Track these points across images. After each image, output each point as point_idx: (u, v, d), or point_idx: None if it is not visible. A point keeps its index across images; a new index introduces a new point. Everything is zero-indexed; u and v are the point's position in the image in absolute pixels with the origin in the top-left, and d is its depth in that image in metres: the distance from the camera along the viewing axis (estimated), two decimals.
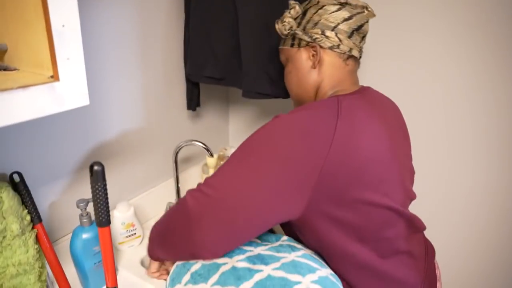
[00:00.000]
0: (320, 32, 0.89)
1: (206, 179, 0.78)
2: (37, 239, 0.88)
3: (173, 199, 1.40)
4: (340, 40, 0.88)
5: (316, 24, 0.90)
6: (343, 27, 0.88)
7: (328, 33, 0.88)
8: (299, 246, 0.85)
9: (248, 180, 0.72)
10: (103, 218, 0.72)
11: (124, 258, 1.13)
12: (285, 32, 0.95)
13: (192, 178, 1.53)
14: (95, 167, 0.68)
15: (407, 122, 1.03)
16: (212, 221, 0.73)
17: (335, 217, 0.76)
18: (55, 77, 0.62)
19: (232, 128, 1.76)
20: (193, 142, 1.25)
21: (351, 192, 0.74)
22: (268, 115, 1.62)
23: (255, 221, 0.74)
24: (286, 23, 0.93)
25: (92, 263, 0.96)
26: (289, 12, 0.94)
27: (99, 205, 0.70)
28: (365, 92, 0.88)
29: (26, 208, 0.85)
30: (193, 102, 1.37)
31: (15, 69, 0.71)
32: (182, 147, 1.27)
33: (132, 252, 1.16)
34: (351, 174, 0.73)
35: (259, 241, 0.88)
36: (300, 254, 0.81)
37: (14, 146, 0.89)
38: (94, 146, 1.08)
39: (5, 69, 0.69)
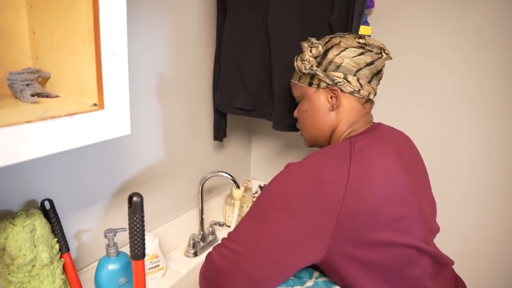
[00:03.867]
0: (342, 76, 0.86)
1: (229, 234, 0.81)
2: (64, 269, 0.86)
3: (196, 230, 1.37)
4: (361, 86, 0.87)
5: (338, 67, 0.86)
6: (365, 72, 0.86)
7: (350, 77, 0.86)
8: (333, 285, 0.83)
9: (267, 234, 0.74)
10: (138, 251, 0.70)
11: None
12: (305, 71, 0.90)
13: (214, 209, 1.51)
14: (134, 198, 0.66)
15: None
16: (238, 275, 0.75)
17: (356, 257, 0.76)
18: (99, 105, 0.61)
19: (254, 159, 1.75)
20: (220, 173, 1.24)
21: (369, 233, 0.74)
22: (289, 146, 1.61)
23: (279, 271, 0.75)
24: (307, 62, 0.89)
25: None
26: (310, 51, 0.89)
27: (135, 237, 0.68)
28: (377, 129, 0.88)
29: (56, 237, 0.84)
30: (220, 133, 1.36)
31: (56, 96, 0.71)
32: (209, 178, 1.26)
33: (155, 284, 1.13)
34: (368, 216, 0.73)
35: (293, 278, 0.86)
36: None
37: (44, 173, 0.88)
38: (120, 175, 1.07)
39: (47, 96, 0.69)
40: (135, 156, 1.10)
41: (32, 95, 0.66)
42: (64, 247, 0.86)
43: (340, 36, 0.89)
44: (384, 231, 0.75)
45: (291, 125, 1.16)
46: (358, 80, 0.86)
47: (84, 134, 0.58)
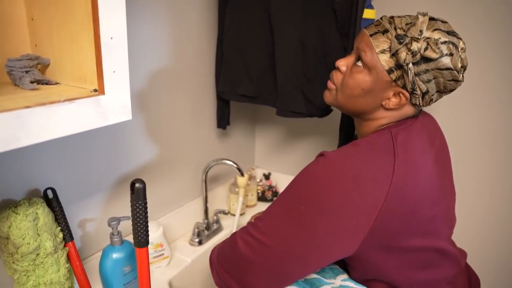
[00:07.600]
0: (423, 90, 0.74)
1: (257, 222, 0.77)
2: (68, 258, 0.86)
3: (201, 219, 1.37)
4: (428, 103, 0.77)
5: (429, 81, 0.73)
6: (442, 95, 0.77)
7: (427, 95, 0.75)
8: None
9: (299, 232, 0.71)
10: (142, 238, 0.69)
11: (152, 279, 1.09)
12: (402, 63, 0.72)
13: (219, 197, 1.50)
14: (137, 185, 0.65)
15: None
16: (263, 268, 0.73)
17: (382, 258, 0.76)
18: (100, 90, 0.60)
19: (258, 146, 1.73)
20: (224, 161, 1.23)
21: (403, 238, 0.73)
22: (294, 134, 1.59)
23: (306, 268, 0.73)
24: (410, 56, 0.70)
25: (122, 284, 0.93)
26: (425, 49, 0.70)
27: (138, 224, 0.68)
28: (413, 118, 0.82)
29: (59, 225, 0.83)
30: (224, 120, 1.35)
31: (56, 83, 0.70)
32: (213, 166, 1.25)
33: (160, 273, 1.13)
34: (405, 218, 0.71)
35: (318, 277, 0.84)
36: None
37: (46, 162, 0.88)
38: (124, 164, 1.07)
39: (47, 83, 0.69)
40: (138, 145, 1.09)
41: (32, 82, 0.65)
42: (68, 236, 0.85)
43: (455, 45, 0.72)
44: (416, 237, 0.74)
45: (295, 111, 1.14)
46: (431, 99, 0.77)
47: (84, 119, 0.57)
